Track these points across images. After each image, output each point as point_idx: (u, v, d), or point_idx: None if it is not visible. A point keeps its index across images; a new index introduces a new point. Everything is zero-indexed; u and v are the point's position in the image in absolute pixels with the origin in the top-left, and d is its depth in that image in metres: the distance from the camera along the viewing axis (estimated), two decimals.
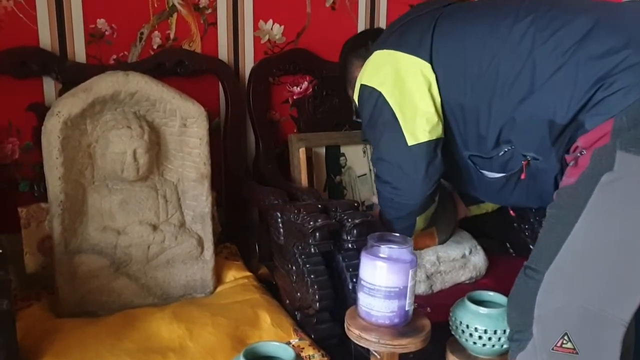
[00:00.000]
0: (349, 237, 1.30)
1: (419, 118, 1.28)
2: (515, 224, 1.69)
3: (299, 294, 1.32)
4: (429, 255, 1.54)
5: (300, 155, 1.63)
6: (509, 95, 1.18)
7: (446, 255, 1.55)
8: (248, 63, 1.75)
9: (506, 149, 1.23)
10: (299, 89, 1.82)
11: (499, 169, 1.28)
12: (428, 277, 1.51)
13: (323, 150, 1.78)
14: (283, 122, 1.82)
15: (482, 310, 1.18)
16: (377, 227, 1.54)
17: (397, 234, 1.12)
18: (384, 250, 1.06)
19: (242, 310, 1.33)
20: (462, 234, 1.65)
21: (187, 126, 1.42)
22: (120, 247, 1.37)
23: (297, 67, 1.77)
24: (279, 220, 1.37)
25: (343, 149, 1.82)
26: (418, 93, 1.28)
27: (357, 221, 1.30)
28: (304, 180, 1.63)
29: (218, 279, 1.50)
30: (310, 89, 1.82)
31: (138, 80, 1.34)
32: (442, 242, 1.59)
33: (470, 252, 1.58)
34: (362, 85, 1.36)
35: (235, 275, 1.52)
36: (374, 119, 1.34)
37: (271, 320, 1.29)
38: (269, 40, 1.76)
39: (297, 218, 1.31)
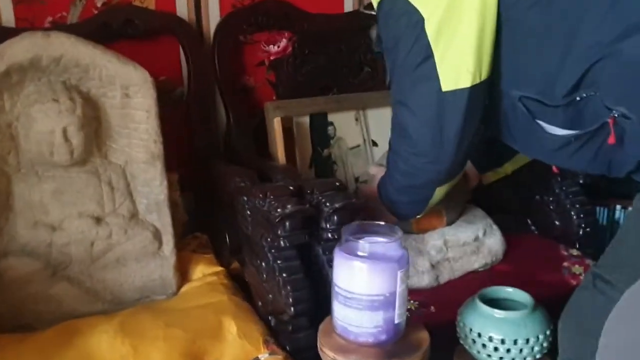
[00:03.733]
0: (328, 225, 1.05)
1: (464, 49, 0.98)
2: (537, 196, 1.43)
3: (270, 295, 1.08)
4: (435, 240, 1.28)
5: (275, 126, 1.37)
6: (617, 14, 0.87)
7: (455, 238, 1.29)
8: (213, 19, 1.48)
9: (584, 95, 0.93)
10: (276, 48, 1.55)
11: (566, 123, 0.98)
12: (433, 267, 1.25)
13: (307, 119, 1.52)
14: (259, 88, 1.56)
15: (498, 313, 0.93)
16: (368, 210, 1.30)
17: (381, 223, 0.86)
18: (364, 245, 0.81)
19: (204, 317, 1.09)
20: (474, 210, 1.38)
21: (130, 96, 1.17)
22: (56, 246, 1.13)
23: (272, 21, 1.50)
24: (245, 206, 1.13)
25: (331, 117, 1.55)
26: (468, 17, 0.97)
27: (337, 205, 1.04)
28: (281, 156, 1.37)
29: (183, 276, 1.26)
30: (290, 48, 1.55)
31: (62, 42, 1.09)
32: (450, 223, 1.33)
33: (485, 234, 1.32)
34: None
35: (204, 270, 1.28)
36: (395, 40, 1.04)
37: (237, 330, 1.06)
38: None
39: (263, 204, 1.06)
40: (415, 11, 0.99)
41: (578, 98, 0.95)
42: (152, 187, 1.21)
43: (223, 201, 1.30)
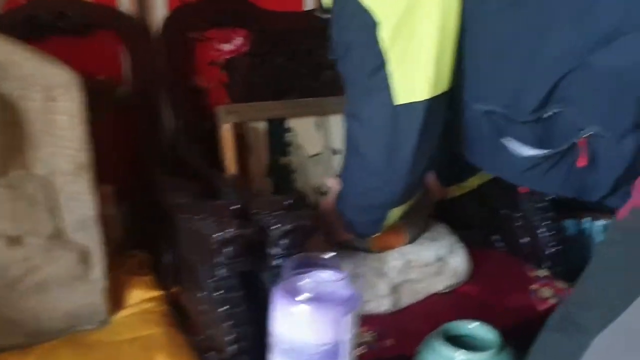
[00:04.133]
0: (276, 251, 0.93)
1: (422, 56, 0.87)
2: (503, 211, 1.32)
3: (210, 329, 0.95)
4: (395, 260, 1.17)
5: (225, 133, 1.24)
6: (587, 24, 0.78)
7: (417, 258, 1.18)
8: (160, 14, 1.34)
9: (554, 111, 0.84)
10: (230, 46, 1.41)
11: (534, 142, 0.88)
12: (393, 290, 1.14)
13: (264, 125, 1.39)
14: (212, 89, 1.42)
15: (461, 355, 0.82)
16: (325, 226, 1.18)
17: (327, 257, 0.74)
18: (306, 284, 0.69)
19: (132, 355, 0.96)
20: (438, 226, 1.27)
21: (56, 100, 1.02)
22: None
23: (227, 18, 1.37)
24: (185, 229, 0.99)
25: (290, 123, 1.42)
26: (427, 21, 0.86)
27: (287, 227, 0.92)
28: (232, 166, 1.24)
29: (116, 302, 1.12)
30: (246, 47, 1.42)
31: None
32: (412, 240, 1.22)
33: (449, 253, 1.21)
34: None
35: (140, 295, 1.14)
36: (346, 46, 0.92)
37: None
38: None
39: (201, 226, 0.93)
40: (367, 13, 0.87)
41: (547, 114, 0.85)
42: (79, 202, 1.06)
43: (164, 216, 1.16)
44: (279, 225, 0.92)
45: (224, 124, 1.30)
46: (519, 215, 1.27)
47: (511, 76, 0.87)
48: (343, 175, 1.09)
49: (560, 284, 1.18)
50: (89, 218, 1.07)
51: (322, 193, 1.44)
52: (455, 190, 1.23)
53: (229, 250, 0.89)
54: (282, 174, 1.42)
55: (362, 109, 0.95)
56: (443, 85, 0.90)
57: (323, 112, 1.45)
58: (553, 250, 1.23)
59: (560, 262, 1.24)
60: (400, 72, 0.89)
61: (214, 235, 0.88)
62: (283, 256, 0.92)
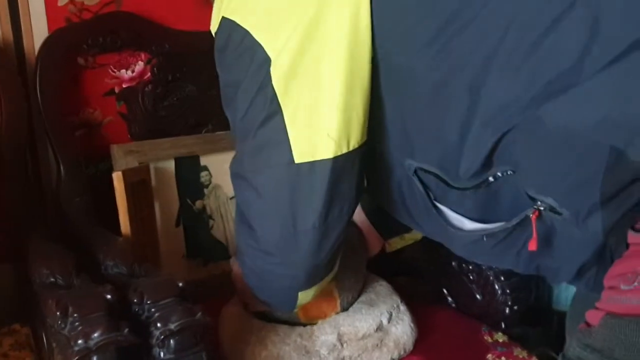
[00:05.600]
0: (162, 355, 0.72)
1: (325, 104, 0.70)
2: (454, 263, 1.16)
3: None
4: (326, 334, 0.98)
5: (115, 182, 1.02)
6: (533, 68, 0.61)
7: (353, 329, 0.99)
8: (39, 38, 1.10)
9: (498, 174, 0.67)
10: (129, 73, 1.20)
11: (475, 212, 0.72)
12: None
13: (172, 164, 1.18)
14: (107, 124, 1.20)
15: None
16: (241, 295, 0.98)
17: None
18: None
19: None
20: (377, 285, 1.09)
21: None
22: None
23: (122, 40, 1.14)
24: (47, 320, 0.78)
25: (205, 161, 1.22)
26: (330, 58, 0.69)
27: (173, 326, 0.71)
28: (123, 222, 1.02)
29: None
30: (148, 73, 1.21)
31: None
32: (346, 307, 1.03)
33: (390, 320, 1.03)
34: (222, 20, 0.74)
35: None
36: (234, 87, 0.74)
37: None
38: (71, 1, 1.11)
39: (62, 325, 0.71)
40: (258, 48, 0.69)
41: (491, 179, 0.67)
42: None
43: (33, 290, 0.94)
44: (163, 322, 0.71)
45: (121, 168, 1.09)
46: (470, 267, 1.11)
47: (443, 131, 0.69)
48: (237, 249, 0.89)
49: (520, 352, 1.02)
50: None
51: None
52: (397, 243, 1.06)
53: None
54: (196, 221, 1.22)
55: (252, 169, 0.76)
56: (355, 140, 0.72)
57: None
58: (510, 310, 1.07)
59: (520, 323, 1.08)
60: (299, 123, 0.70)
61: (77, 344, 0.67)
62: None
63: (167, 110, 1.21)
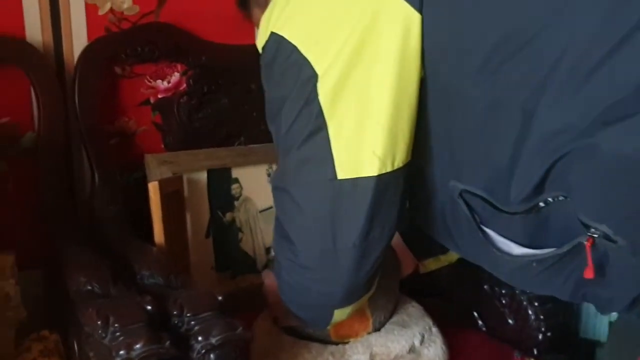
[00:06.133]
0: None
1: (372, 122, 0.69)
2: (486, 286, 1.14)
3: None
4: (359, 354, 0.96)
5: (151, 192, 1.02)
6: (590, 92, 0.61)
7: (385, 350, 0.97)
8: (79, 46, 1.12)
9: (550, 200, 0.66)
10: (165, 83, 1.20)
11: (524, 238, 0.71)
12: None
13: (204, 176, 1.18)
14: (141, 134, 1.21)
15: None
16: (272, 309, 0.97)
17: None
18: None
19: None
20: (408, 306, 1.08)
21: None
22: None
23: (159, 51, 1.15)
24: (85, 329, 0.77)
25: (236, 173, 1.21)
26: (379, 76, 0.69)
27: (214, 340, 0.70)
28: (157, 232, 1.02)
29: None
30: (184, 85, 1.21)
31: None
32: (378, 327, 1.02)
33: (422, 341, 1.01)
34: (271, 35, 0.74)
35: None
36: (279, 103, 0.74)
37: None
38: (111, 10, 1.13)
39: (103, 334, 0.71)
40: (306, 64, 0.69)
41: (542, 204, 0.66)
42: None
43: (68, 298, 0.94)
44: (204, 336, 0.70)
45: (154, 178, 1.09)
46: (503, 291, 1.09)
47: (494, 155, 0.68)
48: (275, 262, 0.89)
49: None
50: None
51: (274, 257, 1.24)
52: (431, 265, 1.04)
53: None
54: (226, 233, 1.21)
55: (294, 183, 0.75)
56: (399, 159, 0.72)
57: (275, 160, 1.24)
58: (544, 337, 1.05)
59: (553, 349, 1.06)
60: (342, 140, 0.70)
61: (115, 356, 0.66)
62: None
63: (200, 122, 1.22)
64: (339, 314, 0.85)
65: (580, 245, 0.65)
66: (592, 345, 1.26)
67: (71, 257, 0.93)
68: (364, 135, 0.70)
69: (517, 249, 0.71)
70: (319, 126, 0.70)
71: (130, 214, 1.12)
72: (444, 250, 1.02)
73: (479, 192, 0.71)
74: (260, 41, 0.78)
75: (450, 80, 0.70)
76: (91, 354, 0.75)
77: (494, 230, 0.73)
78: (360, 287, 0.80)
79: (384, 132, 0.69)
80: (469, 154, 0.71)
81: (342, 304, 0.82)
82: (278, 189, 0.79)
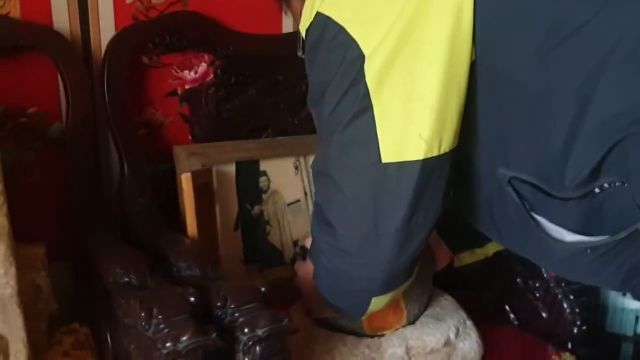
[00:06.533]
0: None
1: (419, 104, 0.68)
2: (519, 280, 1.12)
3: None
4: (394, 347, 0.95)
5: (184, 185, 1.01)
6: None
7: (421, 343, 0.96)
8: (106, 34, 1.10)
9: (606, 185, 0.65)
10: (192, 74, 1.18)
11: (577, 224, 0.69)
12: None
13: (233, 168, 1.17)
14: (168, 125, 1.19)
15: None
16: (305, 300, 0.96)
17: None
18: None
19: None
20: (441, 299, 1.06)
21: None
22: None
23: (187, 40, 1.13)
24: (125, 321, 0.76)
25: (264, 165, 1.20)
26: (429, 57, 0.67)
27: (261, 332, 0.69)
28: (190, 224, 1.01)
29: None
30: (211, 75, 1.19)
31: None
32: (413, 320, 1.00)
33: (457, 335, 1.00)
34: (316, 15, 0.72)
35: None
36: (323, 86, 0.73)
37: None
38: None
39: (146, 326, 0.69)
40: (353, 45, 0.67)
41: (597, 190, 0.65)
42: None
43: (102, 289, 0.92)
44: (250, 328, 0.69)
45: (183, 169, 1.07)
46: (537, 285, 1.07)
47: (548, 140, 0.67)
48: (313, 249, 0.87)
49: None
50: (5, 298, 0.83)
51: (302, 247, 1.23)
52: (467, 258, 1.02)
53: None
54: (254, 226, 1.20)
55: (337, 166, 0.73)
56: (446, 143, 0.70)
57: (303, 153, 1.24)
58: (579, 330, 1.03)
59: (587, 344, 1.05)
60: (390, 122, 0.69)
61: (164, 346, 0.65)
62: None
63: (228, 113, 1.20)
64: (376, 303, 0.83)
65: (638, 232, 0.64)
66: (619, 339, 1.25)
67: (104, 248, 0.92)
68: (411, 118, 0.68)
69: (569, 236, 0.70)
70: (365, 107, 0.69)
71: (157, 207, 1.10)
72: (481, 243, 1.00)
73: (529, 179, 0.69)
74: (304, 23, 0.76)
75: (502, 64, 0.68)
76: (132, 347, 0.74)
77: (544, 217, 0.71)
78: (401, 273, 0.79)
79: (432, 114, 0.68)
80: (520, 140, 0.70)
81: (381, 291, 0.80)
82: (320, 173, 0.78)
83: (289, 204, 1.23)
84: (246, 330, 0.69)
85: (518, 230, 0.75)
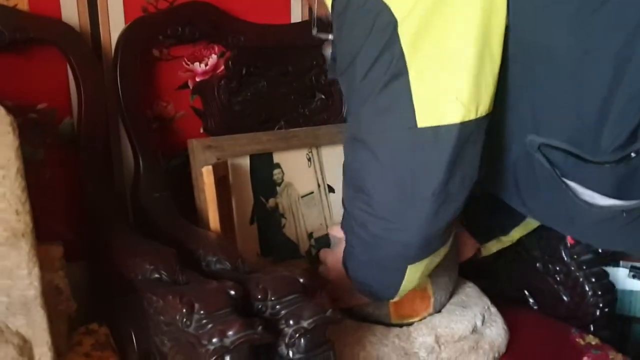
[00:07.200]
0: (292, 354, 0.69)
1: (456, 67, 0.68)
2: (539, 264, 1.13)
3: None
4: (424, 335, 0.95)
5: (205, 178, 0.99)
6: None
7: (449, 331, 0.96)
8: (116, 27, 1.07)
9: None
10: (203, 66, 1.16)
11: (613, 188, 0.69)
12: None
13: (247, 161, 1.15)
14: (180, 118, 1.17)
15: None
16: (332, 290, 0.95)
17: None
18: None
19: None
20: (465, 286, 1.07)
21: None
22: None
23: (197, 31, 1.11)
24: (160, 319, 0.74)
25: (277, 158, 1.19)
26: (463, 20, 0.67)
27: (306, 324, 0.68)
28: (212, 218, 0.99)
29: None
30: (222, 67, 1.17)
31: None
32: (440, 308, 1.00)
33: (483, 322, 1.00)
34: None
35: None
36: (353, 54, 0.72)
37: None
38: None
39: (187, 322, 0.67)
40: (384, 9, 0.67)
41: (633, 154, 0.65)
42: (15, 280, 0.80)
43: (126, 287, 0.90)
44: (295, 320, 0.68)
45: (199, 163, 1.05)
46: (558, 268, 1.08)
47: (583, 105, 0.67)
48: (344, 222, 0.86)
49: (615, 356, 0.99)
50: (30, 299, 0.81)
51: (317, 239, 1.21)
52: (493, 247, 1.02)
53: None
54: (269, 219, 1.18)
55: (371, 132, 0.73)
56: (483, 107, 0.69)
57: (316, 144, 1.23)
58: (601, 312, 1.04)
59: (607, 326, 1.06)
60: (424, 86, 0.68)
61: (211, 342, 0.63)
62: None
63: (240, 105, 1.18)
64: (411, 274, 0.82)
65: None
66: (629, 320, 1.26)
67: (128, 245, 0.89)
68: (447, 81, 0.68)
69: (602, 200, 0.70)
70: (400, 71, 0.68)
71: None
72: (505, 231, 1.00)
73: (560, 145, 0.69)
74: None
75: (536, 31, 0.68)
76: (168, 345, 0.72)
77: (576, 182, 0.71)
78: (437, 237, 0.78)
79: (468, 77, 0.67)
80: (553, 106, 0.70)
81: (417, 256, 0.79)
82: (352, 140, 0.77)
83: (302, 196, 1.22)
84: (291, 322, 0.67)
85: (546, 198, 0.75)
